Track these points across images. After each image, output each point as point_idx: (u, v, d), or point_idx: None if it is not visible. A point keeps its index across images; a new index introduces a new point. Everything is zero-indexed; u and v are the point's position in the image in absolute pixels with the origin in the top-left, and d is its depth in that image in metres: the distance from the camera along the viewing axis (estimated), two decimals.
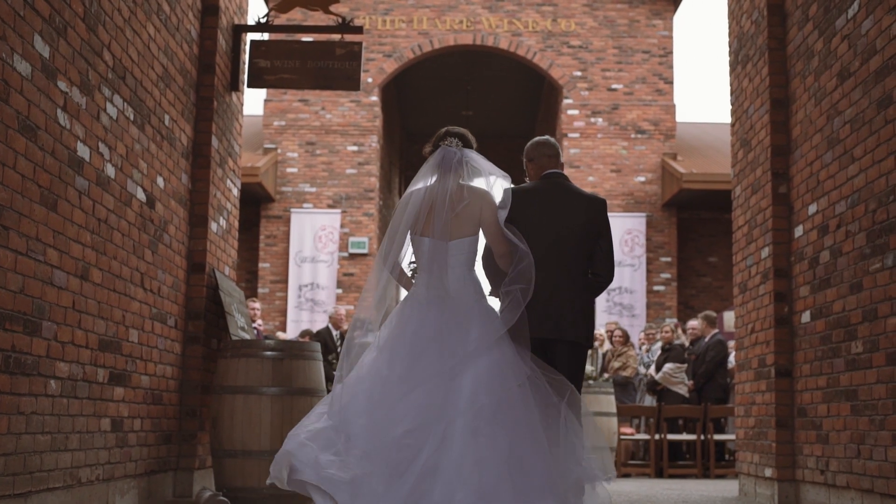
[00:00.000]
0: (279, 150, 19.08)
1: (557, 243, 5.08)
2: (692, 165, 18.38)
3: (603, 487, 4.81)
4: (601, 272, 5.18)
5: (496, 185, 5.06)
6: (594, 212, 5.18)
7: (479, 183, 5.04)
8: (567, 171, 18.46)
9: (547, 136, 5.46)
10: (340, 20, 8.60)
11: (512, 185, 5.13)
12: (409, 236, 4.95)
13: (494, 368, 4.66)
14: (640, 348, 14.48)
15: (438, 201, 4.88)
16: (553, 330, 5.02)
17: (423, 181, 4.98)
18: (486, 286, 5.10)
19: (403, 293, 5.07)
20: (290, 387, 6.80)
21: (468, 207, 4.90)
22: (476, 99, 23.29)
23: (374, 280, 5.00)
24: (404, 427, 4.49)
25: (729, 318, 15.37)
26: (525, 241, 4.94)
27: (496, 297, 5.06)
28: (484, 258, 5.18)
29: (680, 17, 55.46)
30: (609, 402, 10.96)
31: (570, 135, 19.06)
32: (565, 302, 5.04)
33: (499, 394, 4.59)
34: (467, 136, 5.08)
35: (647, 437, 12.35)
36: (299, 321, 18.08)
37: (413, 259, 5.07)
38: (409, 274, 5.14)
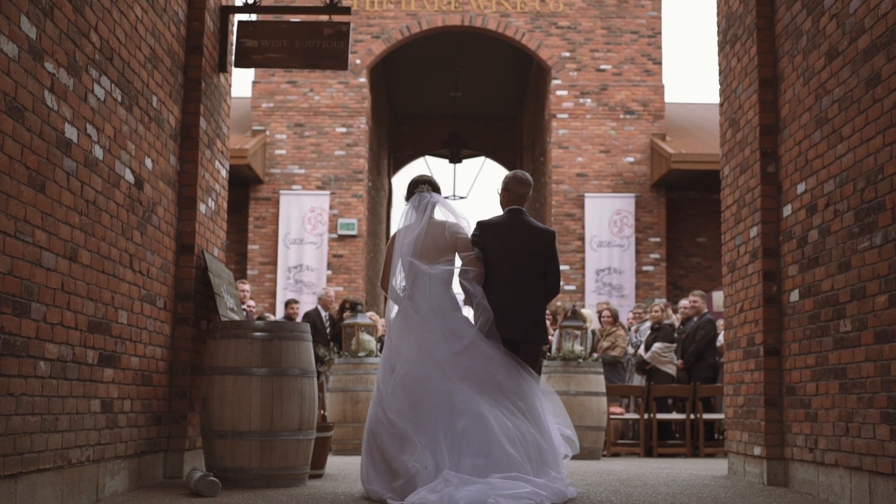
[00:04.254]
0: (268, 132, 19.04)
1: (518, 266, 6.49)
2: (681, 146, 18.39)
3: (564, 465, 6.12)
4: (551, 287, 6.65)
5: (460, 220, 6.48)
6: (545, 241, 6.63)
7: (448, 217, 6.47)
8: (556, 153, 18.71)
9: (526, 176, 6.79)
10: (328, 1, 8.57)
11: (480, 220, 6.57)
12: (400, 263, 6.35)
13: (486, 354, 6.17)
14: (629, 328, 14.52)
15: (421, 235, 6.31)
16: (519, 332, 6.44)
17: (406, 220, 6.41)
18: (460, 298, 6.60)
19: (395, 308, 6.45)
20: (279, 367, 6.81)
21: (444, 238, 6.35)
22: (464, 80, 23.25)
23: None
24: (424, 402, 5.93)
25: (718, 297, 15.42)
26: (491, 264, 6.41)
27: (469, 306, 6.44)
28: (460, 277, 6.45)
29: None
30: (598, 382, 11.00)
31: (559, 115, 19.06)
32: (527, 311, 6.50)
33: (492, 371, 6.13)
34: (435, 182, 6.58)
35: (636, 416, 12.40)
36: None
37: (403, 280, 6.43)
38: (400, 293, 6.44)
